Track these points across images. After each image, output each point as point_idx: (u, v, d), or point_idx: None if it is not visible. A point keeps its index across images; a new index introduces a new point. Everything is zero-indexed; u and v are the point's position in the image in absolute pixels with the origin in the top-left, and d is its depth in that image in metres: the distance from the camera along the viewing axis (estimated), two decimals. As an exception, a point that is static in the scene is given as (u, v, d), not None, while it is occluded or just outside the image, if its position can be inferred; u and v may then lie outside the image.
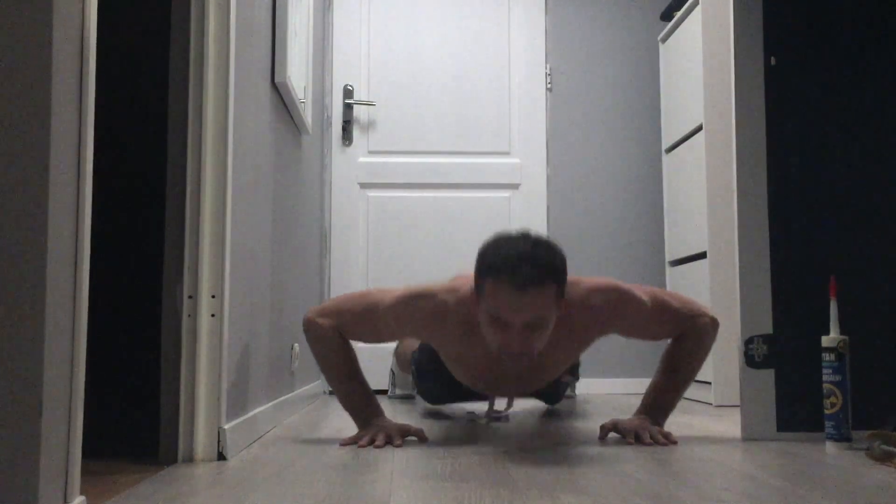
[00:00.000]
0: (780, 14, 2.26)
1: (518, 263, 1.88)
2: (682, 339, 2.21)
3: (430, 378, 2.72)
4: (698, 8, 3.38)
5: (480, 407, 2.88)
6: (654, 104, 4.09)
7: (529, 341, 1.94)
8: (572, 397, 3.59)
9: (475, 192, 4.05)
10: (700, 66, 3.35)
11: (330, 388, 3.87)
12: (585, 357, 3.60)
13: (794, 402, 2.17)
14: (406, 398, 3.40)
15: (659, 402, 2.22)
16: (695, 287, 3.41)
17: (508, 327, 1.92)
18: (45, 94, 1.10)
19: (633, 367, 3.94)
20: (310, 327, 2.17)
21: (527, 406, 3.20)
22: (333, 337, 2.15)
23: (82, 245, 1.22)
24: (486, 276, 1.93)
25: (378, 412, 2.17)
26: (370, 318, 2.14)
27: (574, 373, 2.91)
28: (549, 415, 2.89)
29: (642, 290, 2.19)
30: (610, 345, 3.81)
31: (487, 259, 1.94)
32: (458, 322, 2.12)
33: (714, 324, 2.23)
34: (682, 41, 3.60)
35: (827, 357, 2.01)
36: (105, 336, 3.10)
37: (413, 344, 2.85)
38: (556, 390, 2.83)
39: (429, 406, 3.05)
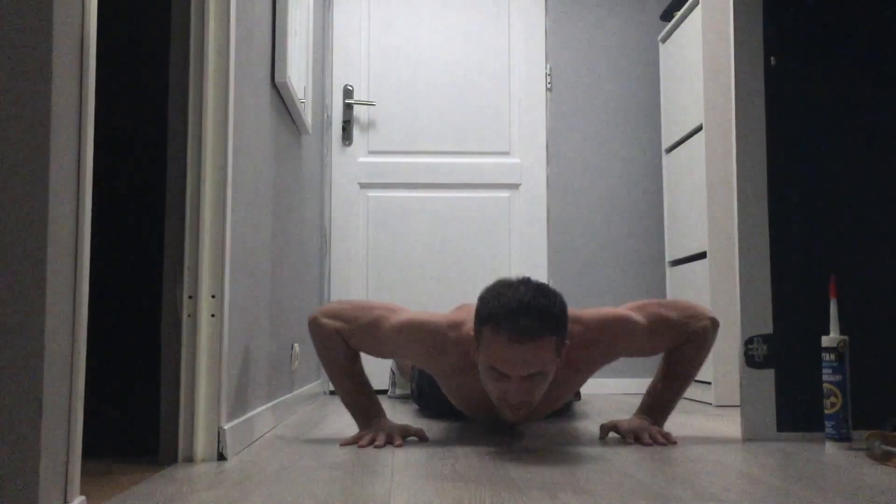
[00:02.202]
0: (780, 14, 2.26)
1: (517, 314, 1.84)
2: (684, 343, 2.21)
3: (430, 399, 2.73)
4: (698, 8, 3.38)
5: None
6: (654, 104, 4.09)
7: (528, 392, 1.91)
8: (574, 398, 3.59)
9: (475, 192, 4.05)
10: (700, 66, 3.35)
11: (331, 388, 3.88)
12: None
13: (794, 402, 2.17)
14: (406, 398, 3.40)
15: (659, 403, 2.21)
16: (695, 287, 3.41)
17: (507, 378, 1.89)
18: (45, 94, 1.10)
19: (633, 367, 3.94)
20: (314, 327, 2.17)
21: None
22: (337, 338, 2.15)
23: (82, 245, 1.22)
24: (484, 324, 1.89)
25: (379, 412, 2.18)
26: (373, 333, 2.14)
27: (577, 395, 2.91)
28: (549, 415, 2.89)
29: (640, 311, 2.17)
30: (610, 345, 3.81)
31: (487, 308, 1.90)
32: (457, 358, 2.11)
33: (714, 325, 2.23)
34: (682, 41, 3.60)
35: (827, 357, 2.01)
36: (105, 336, 3.10)
37: None
38: (556, 412, 2.83)
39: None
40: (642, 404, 2.23)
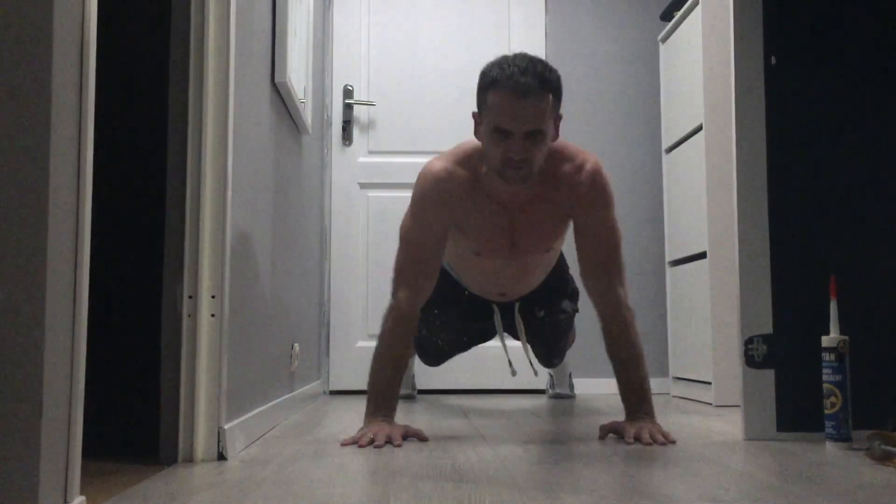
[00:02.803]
0: (780, 14, 2.26)
1: (518, 75, 2.04)
2: (610, 328, 2.26)
3: (435, 321, 2.79)
4: (698, 8, 3.38)
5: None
6: (654, 104, 4.09)
7: (528, 151, 2.08)
8: (572, 397, 3.59)
9: (475, 192, 4.04)
10: (700, 66, 3.35)
11: (331, 388, 3.88)
12: (584, 356, 3.60)
13: (794, 402, 2.17)
14: (406, 398, 3.40)
15: (634, 392, 2.22)
16: (695, 287, 3.41)
17: (509, 137, 2.07)
18: (45, 94, 1.10)
19: (633, 367, 3.94)
20: (392, 310, 2.26)
21: (527, 405, 3.20)
22: (412, 316, 2.24)
23: (82, 245, 1.22)
24: (488, 90, 2.10)
25: (390, 410, 2.20)
26: (415, 239, 2.28)
27: (573, 299, 2.90)
28: (549, 414, 2.89)
29: (617, 247, 2.32)
30: (610, 345, 3.80)
31: (489, 75, 2.11)
32: (466, 178, 2.26)
33: (630, 310, 2.28)
34: (682, 41, 3.60)
35: (827, 357, 2.01)
36: (105, 336, 3.10)
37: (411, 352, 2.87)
38: (558, 332, 2.82)
39: (432, 368, 3.14)
40: (627, 407, 2.23)
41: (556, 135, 2.19)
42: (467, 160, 2.29)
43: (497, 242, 2.40)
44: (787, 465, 1.76)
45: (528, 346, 2.90)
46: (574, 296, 2.88)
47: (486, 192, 2.27)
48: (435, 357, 2.95)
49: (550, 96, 2.08)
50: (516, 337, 2.89)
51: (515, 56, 2.12)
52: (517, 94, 2.04)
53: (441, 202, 2.28)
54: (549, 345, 2.91)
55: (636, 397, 2.22)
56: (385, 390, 2.21)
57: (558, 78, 2.13)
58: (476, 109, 2.22)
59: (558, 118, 2.16)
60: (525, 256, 2.50)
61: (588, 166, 2.28)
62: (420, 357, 3.02)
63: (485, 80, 2.13)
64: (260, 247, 2.37)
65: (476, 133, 2.23)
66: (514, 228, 2.35)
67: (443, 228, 2.30)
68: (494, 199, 2.28)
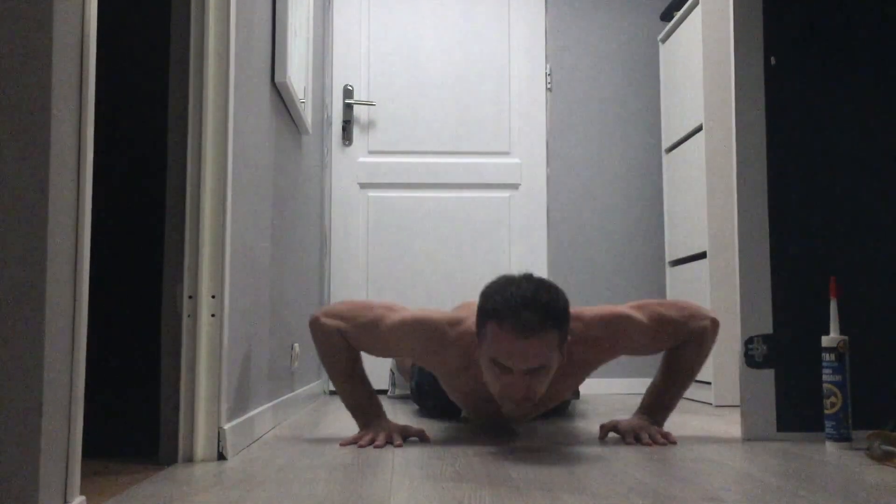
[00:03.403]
0: (780, 14, 2.26)
1: (520, 309, 1.85)
2: (684, 343, 2.21)
3: (430, 398, 2.74)
4: (698, 8, 3.38)
5: None
6: (654, 104, 4.09)
7: (530, 387, 1.91)
8: (573, 397, 3.59)
9: (475, 192, 4.05)
10: (700, 66, 3.35)
11: (331, 388, 3.88)
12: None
13: (794, 402, 2.17)
14: (406, 398, 3.40)
15: (659, 403, 2.22)
16: (695, 287, 3.41)
17: (509, 373, 1.90)
18: (45, 94, 1.10)
19: (632, 367, 3.94)
20: (316, 326, 2.18)
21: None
22: (338, 338, 2.16)
23: (82, 245, 1.22)
24: (488, 320, 1.90)
25: (379, 412, 2.18)
26: (372, 332, 2.15)
27: (575, 393, 2.90)
28: (549, 414, 2.89)
29: (641, 310, 2.18)
30: (610, 345, 3.81)
31: (490, 302, 1.91)
32: (458, 355, 2.12)
33: (714, 325, 2.23)
34: (682, 41, 3.60)
35: (827, 357, 2.01)
36: (105, 336, 3.10)
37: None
38: (555, 410, 2.83)
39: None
40: (642, 404, 2.23)
41: (564, 357, 2.00)
42: (471, 338, 2.09)
43: (491, 413, 2.29)
44: (787, 465, 1.76)
45: None
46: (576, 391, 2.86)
47: (481, 379, 2.09)
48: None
49: (556, 332, 1.89)
50: None
51: (520, 282, 1.93)
52: (518, 334, 1.85)
53: (424, 352, 2.16)
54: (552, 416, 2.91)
55: (658, 407, 2.21)
56: (359, 401, 2.19)
57: (565, 306, 1.93)
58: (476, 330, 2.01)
59: (565, 342, 1.96)
60: (529, 417, 2.36)
61: (586, 319, 2.12)
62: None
63: (485, 306, 1.92)
64: (260, 247, 2.37)
65: (473, 350, 2.07)
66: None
67: (409, 359, 2.21)
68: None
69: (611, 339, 2.14)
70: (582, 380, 2.24)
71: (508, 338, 1.86)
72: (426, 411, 2.83)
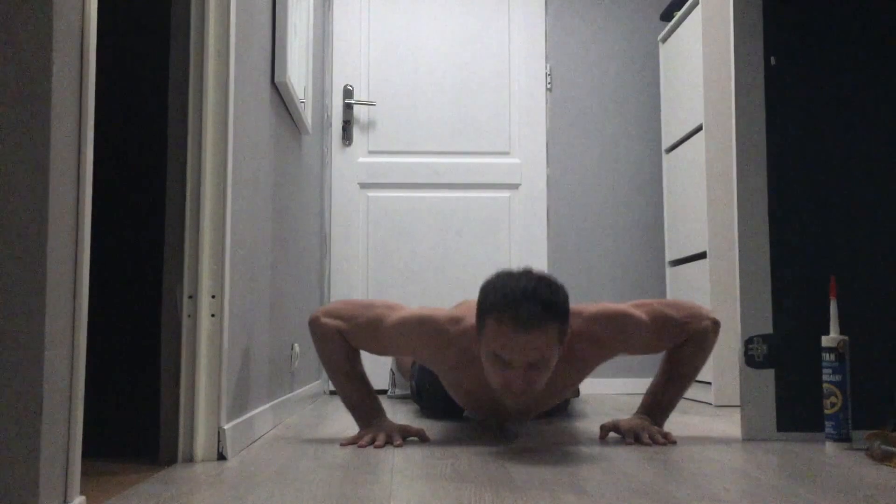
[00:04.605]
0: (780, 14, 2.26)
1: (520, 302, 1.85)
2: (685, 343, 2.21)
3: (430, 398, 2.74)
4: (698, 8, 3.38)
5: None
6: (654, 104, 4.09)
7: (531, 381, 1.92)
8: (573, 397, 3.58)
9: (475, 192, 4.05)
10: (700, 66, 3.35)
11: (331, 388, 3.88)
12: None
13: (794, 402, 2.17)
14: (406, 398, 3.40)
15: (659, 403, 2.21)
16: (695, 287, 3.41)
17: (510, 366, 1.90)
18: (45, 94, 1.10)
19: (632, 367, 3.94)
20: (315, 326, 2.18)
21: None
22: (337, 338, 2.16)
23: (82, 245, 1.22)
24: (488, 314, 1.90)
25: (379, 412, 2.18)
26: (372, 331, 2.15)
27: (575, 392, 2.90)
28: (549, 414, 2.89)
29: (641, 308, 2.18)
30: (610, 345, 3.81)
31: (490, 297, 1.92)
32: (458, 352, 2.12)
33: (715, 325, 2.22)
34: (682, 41, 3.60)
35: (827, 357, 2.01)
36: (105, 336, 3.10)
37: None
38: (556, 409, 2.82)
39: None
40: (642, 404, 2.23)
41: (564, 348, 2.02)
42: (467, 332, 2.10)
43: (491, 412, 2.30)
44: (787, 465, 1.76)
45: None
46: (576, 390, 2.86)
47: (483, 376, 2.10)
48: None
49: (556, 325, 1.89)
50: None
51: (519, 277, 1.93)
52: (518, 327, 1.85)
53: (425, 354, 2.16)
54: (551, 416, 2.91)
55: (658, 407, 2.21)
56: (359, 401, 2.19)
57: (565, 299, 1.93)
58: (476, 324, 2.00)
59: (565, 336, 1.96)
60: (530, 415, 2.36)
61: (587, 315, 2.13)
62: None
63: (484, 302, 1.93)
64: (260, 247, 2.37)
65: (474, 344, 2.07)
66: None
67: (410, 357, 2.21)
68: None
69: (611, 337, 2.13)
70: (582, 378, 2.24)
71: (508, 331, 1.86)
72: (426, 411, 2.83)
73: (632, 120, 4.13)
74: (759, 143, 2.23)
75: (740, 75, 2.25)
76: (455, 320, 2.13)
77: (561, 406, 2.82)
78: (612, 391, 3.94)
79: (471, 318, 2.10)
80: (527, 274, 1.95)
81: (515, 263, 4.00)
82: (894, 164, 2.24)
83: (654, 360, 3.47)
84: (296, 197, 3.08)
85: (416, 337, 2.13)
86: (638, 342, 2.17)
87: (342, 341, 2.16)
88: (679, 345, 2.21)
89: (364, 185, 4.02)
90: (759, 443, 2.11)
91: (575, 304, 2.11)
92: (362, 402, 2.18)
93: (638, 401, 2.33)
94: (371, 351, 2.21)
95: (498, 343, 1.88)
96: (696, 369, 2.23)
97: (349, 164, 4.03)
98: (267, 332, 2.48)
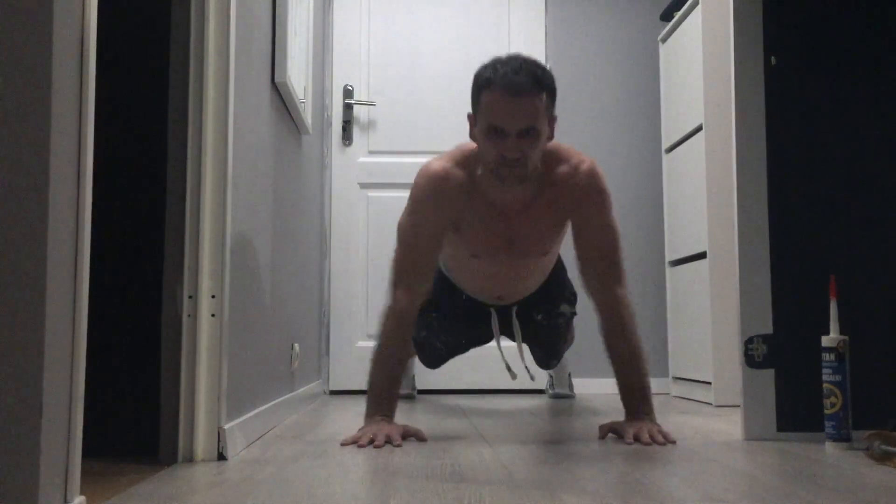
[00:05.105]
0: (780, 14, 2.26)
1: (512, 74, 2.05)
2: (609, 327, 2.25)
3: (430, 345, 2.79)
4: (698, 8, 3.38)
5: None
6: (654, 104, 4.09)
7: (523, 151, 2.08)
8: (572, 397, 3.59)
9: (475, 192, 4.04)
10: (700, 66, 3.35)
11: (331, 388, 3.88)
12: (584, 356, 3.60)
13: (794, 402, 2.17)
14: (406, 398, 3.40)
15: (633, 391, 2.22)
16: (695, 287, 3.41)
17: (504, 136, 2.07)
18: (45, 94, 1.10)
19: (633, 367, 3.93)
20: (389, 309, 2.26)
21: (527, 405, 3.21)
22: (409, 315, 2.25)
23: (82, 245, 1.22)
24: (482, 91, 2.11)
25: (390, 410, 2.20)
26: (412, 239, 2.28)
27: (572, 302, 2.90)
28: (548, 414, 2.89)
29: (615, 220, 2.33)
30: (610, 345, 3.80)
31: (482, 76, 2.12)
32: (462, 182, 2.26)
33: (629, 302, 2.29)
34: (682, 41, 3.60)
35: (827, 357, 2.01)
36: (105, 336, 3.10)
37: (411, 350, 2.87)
38: (555, 335, 2.82)
39: (431, 370, 3.11)
40: (626, 407, 2.23)
41: (552, 135, 2.20)
42: (465, 161, 2.29)
43: (494, 244, 2.40)
44: (787, 465, 1.76)
45: (526, 349, 2.89)
46: (572, 299, 2.88)
47: (483, 194, 2.28)
48: (434, 359, 2.94)
49: (544, 95, 2.09)
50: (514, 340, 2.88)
51: (509, 57, 2.13)
52: (510, 92, 2.05)
53: (438, 202, 2.29)
54: (547, 348, 2.91)
55: (635, 397, 2.22)
56: (385, 390, 2.22)
57: (552, 77, 2.14)
58: (471, 111, 2.22)
59: (553, 119, 2.17)
60: (522, 259, 2.50)
61: (584, 167, 2.28)
62: (420, 358, 3.02)
63: (478, 80, 2.14)
64: (260, 247, 2.37)
65: (471, 135, 2.24)
66: (511, 231, 2.34)
67: (439, 228, 2.31)
68: (491, 201, 2.28)
69: (584, 194, 2.26)
70: (556, 230, 2.38)
71: (500, 99, 2.05)
72: (430, 352, 2.86)
73: (632, 120, 4.13)
74: (759, 143, 2.23)
75: (740, 75, 2.25)
76: (445, 157, 2.32)
77: (559, 334, 2.82)
78: (612, 391, 3.93)
79: (459, 147, 2.33)
80: (516, 55, 2.15)
81: (515, 263, 4.00)
82: (894, 164, 2.24)
83: (655, 359, 3.46)
84: (296, 197, 3.08)
85: (432, 199, 2.27)
86: (591, 219, 2.28)
87: (409, 323, 2.27)
88: (606, 329, 2.26)
89: (364, 185, 4.02)
90: (759, 443, 2.11)
91: (573, 148, 2.34)
92: (388, 392, 2.23)
93: (638, 401, 2.32)
94: (437, 251, 2.33)
95: (492, 113, 2.07)
96: (636, 341, 2.25)
97: (349, 164, 4.03)
98: (267, 332, 2.48)
